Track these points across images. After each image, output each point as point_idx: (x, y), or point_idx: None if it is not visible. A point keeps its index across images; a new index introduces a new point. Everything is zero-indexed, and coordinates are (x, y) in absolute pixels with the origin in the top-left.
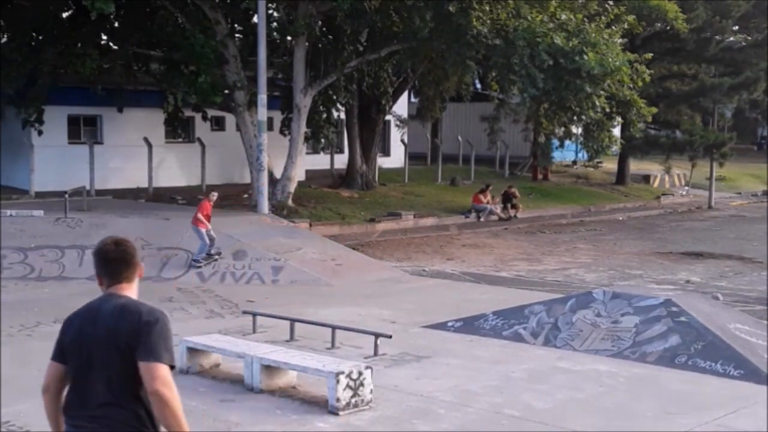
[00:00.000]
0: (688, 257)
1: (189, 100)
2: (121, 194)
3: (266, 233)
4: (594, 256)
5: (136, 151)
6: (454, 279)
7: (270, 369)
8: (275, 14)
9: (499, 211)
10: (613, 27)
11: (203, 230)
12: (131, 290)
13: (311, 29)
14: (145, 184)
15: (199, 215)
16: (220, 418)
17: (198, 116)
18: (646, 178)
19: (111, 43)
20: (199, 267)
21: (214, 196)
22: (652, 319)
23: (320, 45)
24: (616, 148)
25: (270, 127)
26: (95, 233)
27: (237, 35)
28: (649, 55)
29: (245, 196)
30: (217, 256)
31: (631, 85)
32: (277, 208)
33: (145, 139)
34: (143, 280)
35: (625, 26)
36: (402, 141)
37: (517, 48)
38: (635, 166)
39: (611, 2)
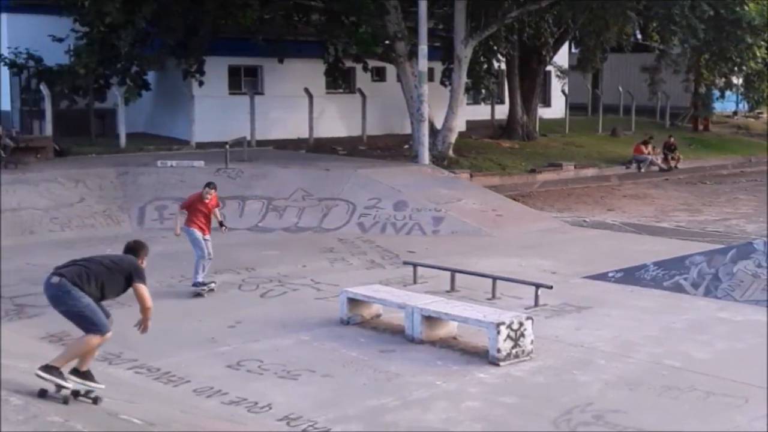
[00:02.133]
0: None
1: (349, 50)
2: (282, 145)
3: (427, 184)
4: (755, 207)
5: (296, 102)
6: (614, 230)
7: (431, 320)
8: None
9: (659, 161)
10: None
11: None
12: None
13: None
14: (305, 135)
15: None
16: (380, 369)
17: (358, 67)
18: None
19: None
20: (201, 294)
21: (210, 194)
22: None
23: None
24: None
25: (430, 78)
26: (256, 184)
27: None
28: None
29: (406, 146)
30: (213, 285)
31: None
32: (438, 159)
33: (306, 90)
34: (304, 231)
35: None
36: (562, 92)
37: None
38: None
39: None
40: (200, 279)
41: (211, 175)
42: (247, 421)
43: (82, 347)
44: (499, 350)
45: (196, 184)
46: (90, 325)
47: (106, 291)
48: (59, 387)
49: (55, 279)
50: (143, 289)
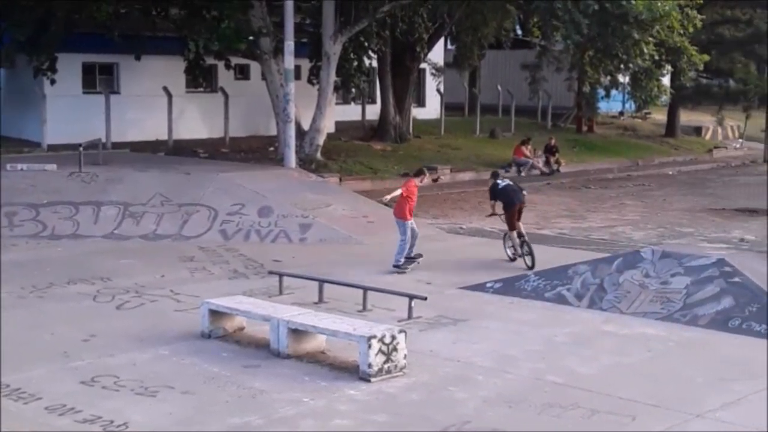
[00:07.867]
0: (742, 214)
1: (211, 47)
2: (139, 147)
3: (293, 188)
4: (642, 213)
5: (154, 102)
6: (493, 237)
7: (297, 333)
8: None
9: (541, 165)
10: None
11: (408, 223)
12: None
13: None
14: (164, 137)
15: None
16: (244, 385)
17: (221, 64)
18: (698, 130)
19: None
20: (403, 272)
21: (425, 178)
22: (704, 279)
23: None
24: (665, 98)
25: (297, 76)
26: (111, 188)
27: None
28: None
29: (271, 149)
30: (418, 260)
31: (682, 31)
32: (305, 162)
33: (165, 89)
34: (163, 238)
35: None
36: (438, 91)
37: None
38: (686, 117)
39: None
40: (402, 261)
41: (64, 179)
42: None
43: None
44: (370, 365)
45: (48, 189)
46: None
47: None
48: None
49: None
50: None
